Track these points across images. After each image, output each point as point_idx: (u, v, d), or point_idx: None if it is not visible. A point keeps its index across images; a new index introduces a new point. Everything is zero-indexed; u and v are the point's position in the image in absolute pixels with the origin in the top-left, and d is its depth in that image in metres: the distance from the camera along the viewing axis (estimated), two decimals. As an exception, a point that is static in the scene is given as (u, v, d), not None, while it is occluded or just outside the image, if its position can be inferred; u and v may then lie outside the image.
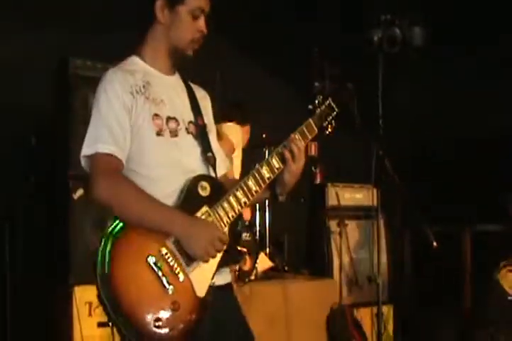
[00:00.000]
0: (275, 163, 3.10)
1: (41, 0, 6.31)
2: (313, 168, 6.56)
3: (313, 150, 6.45)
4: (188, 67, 3.20)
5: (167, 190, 2.92)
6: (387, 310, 6.61)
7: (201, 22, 3.07)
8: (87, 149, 2.87)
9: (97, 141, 2.84)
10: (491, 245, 6.24)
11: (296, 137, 3.14)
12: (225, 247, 2.85)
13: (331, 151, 6.52)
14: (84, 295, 5.34)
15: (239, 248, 3.04)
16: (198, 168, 3.04)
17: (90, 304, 5.35)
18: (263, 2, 7.63)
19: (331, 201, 6.72)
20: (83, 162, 2.91)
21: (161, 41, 3.08)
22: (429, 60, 7.03)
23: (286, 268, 6.62)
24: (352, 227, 6.42)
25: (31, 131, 6.13)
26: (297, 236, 7.05)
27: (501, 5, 6.83)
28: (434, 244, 3.37)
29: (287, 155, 3.08)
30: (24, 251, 5.86)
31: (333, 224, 6.50)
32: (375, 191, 5.71)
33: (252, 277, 5.95)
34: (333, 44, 7.19)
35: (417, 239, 6.90)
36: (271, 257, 6.40)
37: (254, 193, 3.03)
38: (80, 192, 5.81)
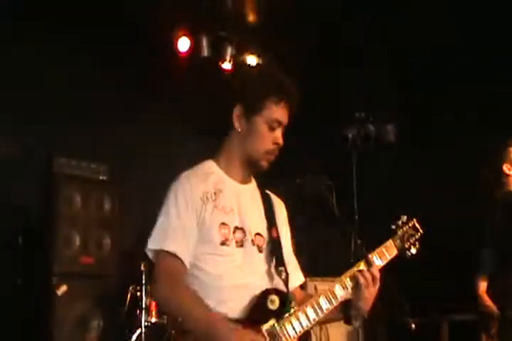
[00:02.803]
0: (349, 281, 3.01)
1: (24, 100, 6.45)
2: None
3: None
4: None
5: (228, 297, 2.90)
6: None
7: (277, 133, 3.02)
8: (153, 243, 2.91)
9: (162, 238, 2.88)
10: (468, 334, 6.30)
11: (374, 259, 3.09)
12: None
13: (310, 245, 6.62)
14: None
15: None
16: (261, 279, 3.00)
17: None
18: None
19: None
20: (150, 254, 2.94)
21: (237, 149, 3.04)
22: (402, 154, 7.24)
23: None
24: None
25: (19, 230, 6.22)
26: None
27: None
28: (413, 326, 3.41)
29: (361, 281, 2.98)
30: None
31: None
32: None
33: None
34: (312, 139, 7.48)
35: (393, 329, 6.97)
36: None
37: (325, 311, 2.95)
38: (63, 288, 5.90)
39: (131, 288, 6.06)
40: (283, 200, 3.30)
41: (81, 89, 6.85)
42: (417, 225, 3.34)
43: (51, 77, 6.58)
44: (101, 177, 6.50)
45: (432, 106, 7.39)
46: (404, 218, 3.32)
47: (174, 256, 2.87)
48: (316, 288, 6.55)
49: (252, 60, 7.75)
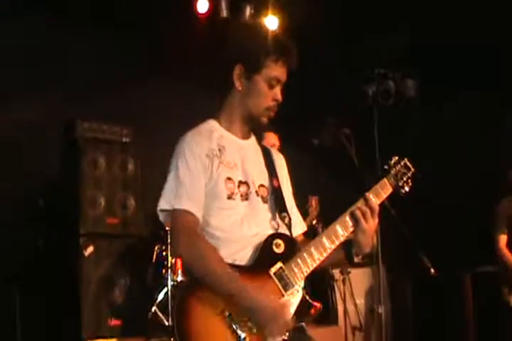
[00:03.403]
0: (349, 220, 3.12)
1: (44, 66, 6.56)
2: (313, 222, 6.61)
3: (313, 205, 6.56)
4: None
5: (237, 248, 3.01)
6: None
7: (277, 91, 3.15)
8: (165, 204, 2.99)
9: (175, 197, 2.96)
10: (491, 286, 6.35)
11: (370, 196, 3.15)
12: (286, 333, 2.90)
13: (331, 200, 6.66)
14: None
15: (312, 302, 3.10)
16: (266, 228, 3.11)
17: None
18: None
19: (334, 251, 6.83)
20: (160, 215, 3.04)
21: (237, 107, 3.17)
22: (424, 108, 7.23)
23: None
24: (355, 275, 6.53)
25: (38, 194, 6.34)
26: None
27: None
28: (432, 270, 3.44)
29: (358, 214, 3.09)
30: (33, 310, 5.99)
31: (336, 273, 6.63)
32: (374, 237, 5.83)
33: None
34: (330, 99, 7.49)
35: (417, 282, 7.03)
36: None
37: (328, 250, 3.07)
38: (90, 249, 6.02)
39: (156, 247, 6.16)
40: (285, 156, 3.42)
41: (100, 54, 6.93)
42: (409, 164, 3.41)
43: (71, 44, 6.69)
44: (124, 140, 6.58)
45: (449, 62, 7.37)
46: (396, 158, 3.38)
47: (189, 213, 2.97)
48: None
49: (271, 20, 7.72)
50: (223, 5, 7.51)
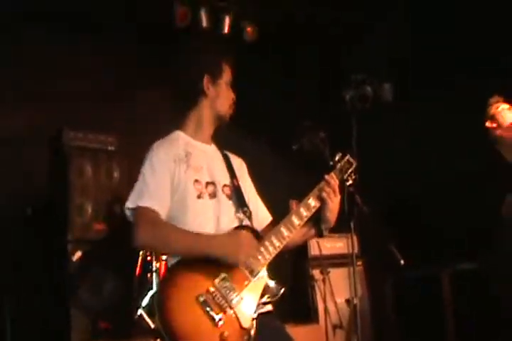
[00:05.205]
0: (312, 202, 3.59)
1: (33, 77, 6.73)
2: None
3: (294, 207, 6.73)
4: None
5: None
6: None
7: (231, 91, 3.68)
8: (129, 203, 3.35)
9: (139, 197, 3.32)
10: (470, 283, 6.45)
11: (333, 176, 3.62)
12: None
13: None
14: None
15: (275, 284, 3.40)
16: (232, 222, 3.49)
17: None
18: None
19: (313, 251, 7.05)
20: (127, 213, 3.38)
21: (206, 112, 3.62)
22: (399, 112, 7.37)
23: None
24: (334, 274, 6.68)
25: (27, 203, 6.47)
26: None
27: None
28: (402, 261, 3.65)
29: (324, 196, 3.56)
30: (24, 315, 6.10)
31: (316, 273, 6.80)
32: (354, 238, 5.94)
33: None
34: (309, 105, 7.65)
35: (398, 283, 7.16)
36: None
37: (285, 238, 3.49)
38: (78, 254, 6.17)
39: (141, 252, 6.30)
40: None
41: (85, 65, 7.11)
42: (351, 159, 3.81)
43: (58, 56, 6.86)
44: (109, 148, 6.76)
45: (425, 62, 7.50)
46: (339, 155, 3.78)
47: (150, 209, 3.30)
48: (318, 244, 6.76)
49: (250, 29, 7.90)
50: (203, 16, 7.70)
